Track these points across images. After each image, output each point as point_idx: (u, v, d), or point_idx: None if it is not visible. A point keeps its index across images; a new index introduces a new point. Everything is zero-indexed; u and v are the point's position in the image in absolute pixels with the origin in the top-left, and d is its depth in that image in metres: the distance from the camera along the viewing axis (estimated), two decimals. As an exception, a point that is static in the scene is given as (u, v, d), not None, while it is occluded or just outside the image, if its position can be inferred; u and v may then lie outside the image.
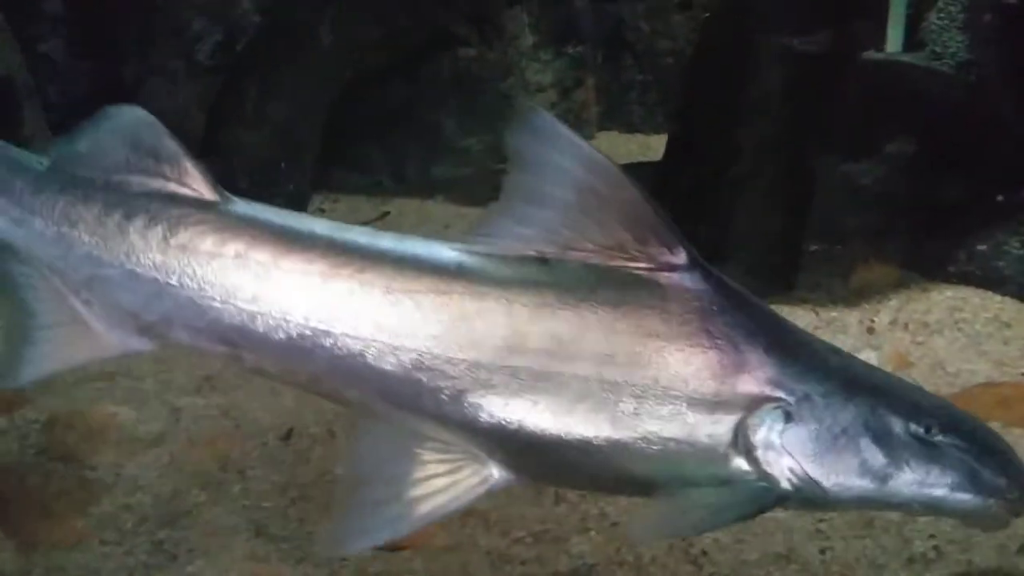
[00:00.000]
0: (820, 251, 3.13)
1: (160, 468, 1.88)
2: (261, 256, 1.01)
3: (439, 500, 0.99)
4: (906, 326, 2.45)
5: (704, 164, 2.74)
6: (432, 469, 1.01)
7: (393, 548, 1.68)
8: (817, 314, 2.56)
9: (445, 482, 1.00)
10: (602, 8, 4.57)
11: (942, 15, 4.09)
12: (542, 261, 1.01)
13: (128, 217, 1.03)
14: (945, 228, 2.84)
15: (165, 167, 1.04)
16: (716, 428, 0.98)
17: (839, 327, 2.49)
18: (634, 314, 0.99)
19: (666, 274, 1.00)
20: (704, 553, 1.61)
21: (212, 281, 1.01)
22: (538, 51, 4.42)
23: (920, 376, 2.19)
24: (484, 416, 0.99)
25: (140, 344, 1.06)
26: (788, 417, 0.98)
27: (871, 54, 3.72)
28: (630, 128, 4.59)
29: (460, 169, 4.21)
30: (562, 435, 0.99)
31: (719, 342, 0.98)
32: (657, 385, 0.98)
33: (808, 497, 0.99)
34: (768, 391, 0.98)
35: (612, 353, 0.98)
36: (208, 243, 1.02)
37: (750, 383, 0.98)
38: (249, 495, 1.82)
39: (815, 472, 0.98)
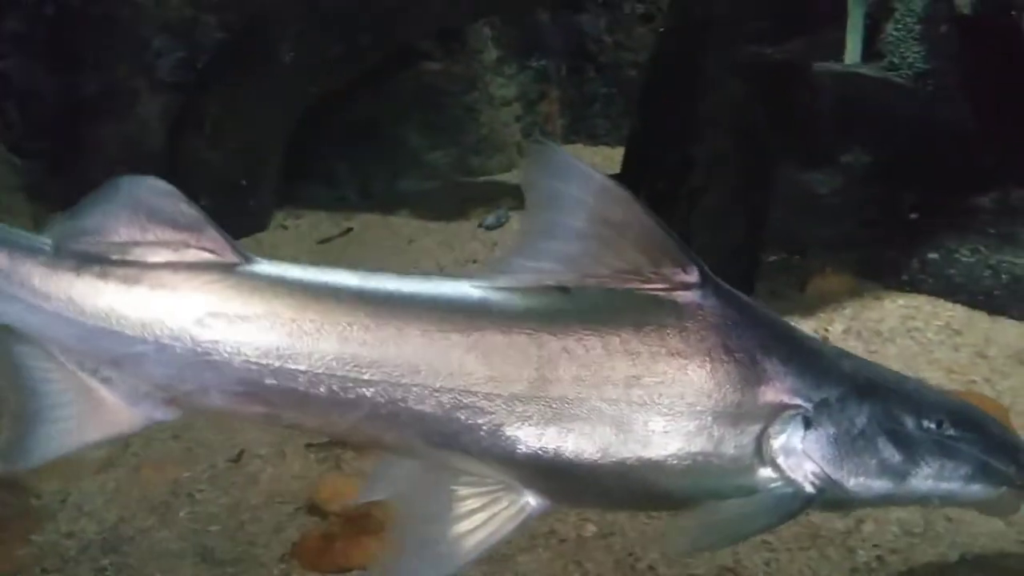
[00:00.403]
0: (779, 261, 3.15)
1: (107, 494, 1.86)
2: (292, 313, 1.01)
3: (481, 535, 1.01)
4: (860, 334, 2.48)
5: (660, 176, 2.75)
6: (470, 504, 1.02)
7: (340, 569, 1.67)
8: (773, 324, 2.58)
9: (485, 516, 1.01)
10: (565, 21, 4.59)
11: (899, 26, 4.15)
12: (563, 290, 1.04)
13: (153, 290, 1.01)
14: (899, 237, 2.87)
15: (184, 235, 1.02)
16: (741, 439, 1.02)
17: (794, 337, 2.50)
18: (656, 334, 1.02)
19: (681, 293, 1.04)
20: (651, 568, 1.61)
21: (247, 344, 1.00)
22: (502, 65, 4.43)
23: (871, 385, 2.21)
24: (521, 448, 1.01)
25: (166, 415, 1.04)
26: (808, 423, 1.03)
27: (829, 65, 3.77)
28: (595, 140, 4.61)
29: (426, 183, 4.22)
30: (597, 459, 1.01)
31: (738, 356, 1.02)
32: (683, 402, 1.01)
33: (832, 499, 1.03)
34: (787, 399, 1.03)
35: (638, 375, 1.01)
36: (238, 306, 1.01)
37: (770, 393, 1.03)
38: (197, 519, 1.81)
39: (836, 474, 1.02)
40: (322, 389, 1.01)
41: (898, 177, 3.09)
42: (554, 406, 1.00)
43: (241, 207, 3.65)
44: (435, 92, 4.24)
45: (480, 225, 3.59)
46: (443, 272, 3.18)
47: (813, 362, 1.04)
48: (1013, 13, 3.55)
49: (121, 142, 3.59)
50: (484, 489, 1.02)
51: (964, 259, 2.64)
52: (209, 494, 1.87)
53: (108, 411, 1.03)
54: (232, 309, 1.01)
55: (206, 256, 1.02)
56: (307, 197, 4.01)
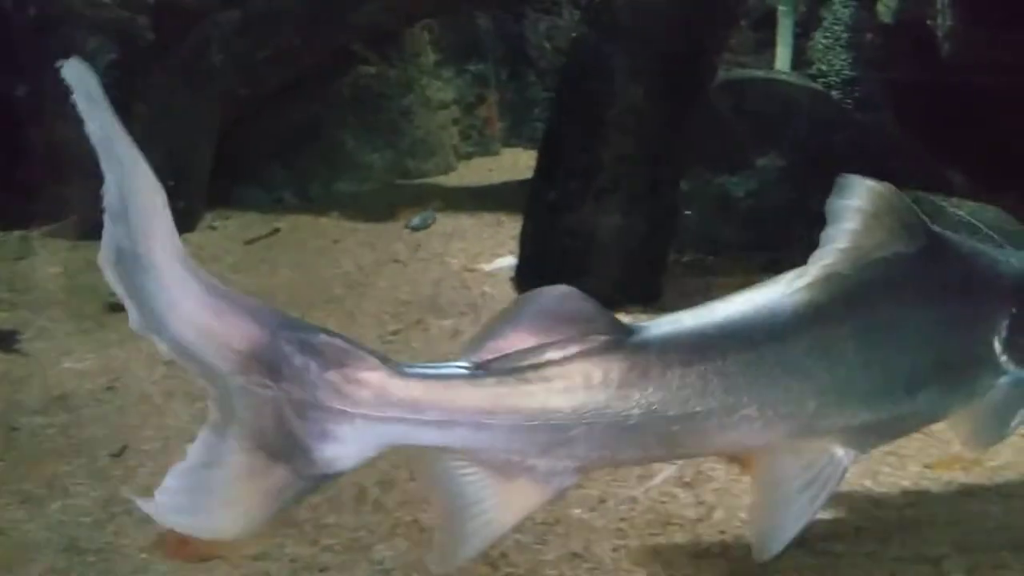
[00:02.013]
0: (693, 261, 3.21)
1: (-19, 488, 1.87)
2: (682, 371, 1.13)
3: (817, 490, 1.20)
4: (755, 332, 2.52)
5: (570, 177, 2.80)
6: (809, 467, 1.20)
7: (202, 558, 1.69)
8: (673, 322, 2.62)
9: (820, 473, 1.21)
10: (504, 26, 4.65)
11: (827, 35, 4.25)
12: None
13: (574, 379, 1.09)
14: (806, 238, 2.92)
15: (582, 326, 1.11)
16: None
17: (692, 334, 2.54)
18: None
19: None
20: (503, 555, 1.64)
21: (657, 403, 1.11)
22: (440, 68, 4.48)
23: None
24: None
25: (573, 480, 1.13)
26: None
27: (749, 71, 3.84)
28: (534, 144, 4.64)
29: (362, 185, 4.25)
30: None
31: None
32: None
33: None
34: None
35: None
36: (638, 374, 1.11)
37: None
38: (68, 511, 1.82)
39: None
40: (712, 424, 1.14)
41: (809, 180, 3.15)
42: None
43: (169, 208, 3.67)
44: (372, 95, 4.28)
45: (406, 226, 3.63)
46: (363, 271, 3.21)
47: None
48: (929, 22, 3.65)
49: (50, 144, 3.59)
50: (811, 456, 1.20)
51: (859, 257, 2.70)
52: (85, 488, 1.89)
53: (526, 494, 1.11)
54: (635, 377, 1.11)
55: (603, 338, 1.11)
56: (243, 199, 4.04)
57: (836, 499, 1.78)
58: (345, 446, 1.01)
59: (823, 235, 1.30)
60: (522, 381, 1.07)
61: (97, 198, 0.96)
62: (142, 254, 0.95)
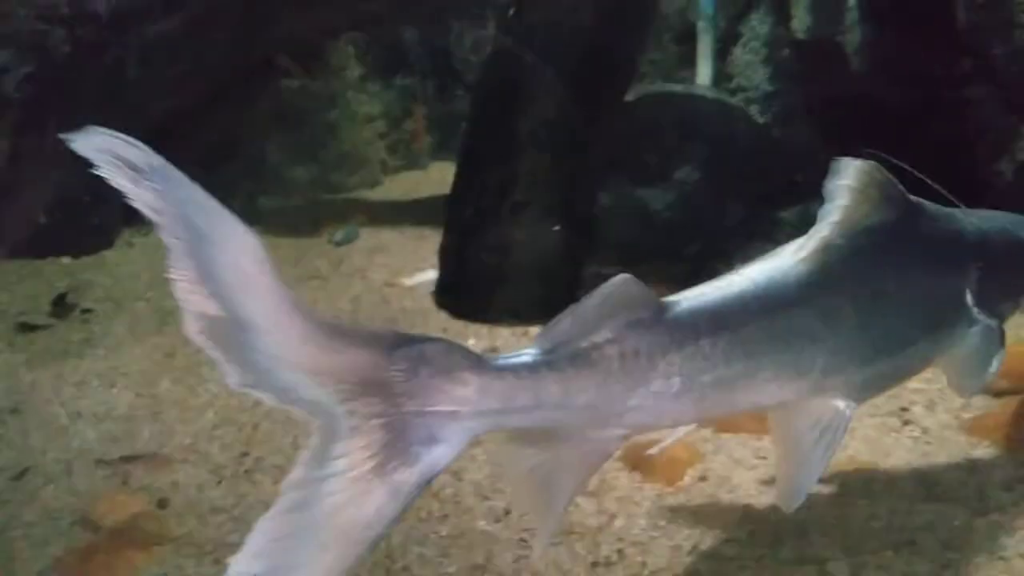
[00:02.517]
0: (614, 273, 3.26)
1: None
2: (715, 336, 1.23)
3: (830, 439, 1.35)
4: (667, 341, 2.57)
5: (485, 192, 2.83)
6: (818, 420, 1.32)
7: None
8: (589, 333, 2.66)
9: (830, 427, 1.34)
10: (430, 40, 4.67)
11: (746, 50, 4.36)
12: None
13: (633, 353, 1.17)
14: (719, 248, 3.00)
15: (630, 307, 1.19)
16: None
17: (607, 345, 2.58)
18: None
19: None
20: (406, 568, 1.65)
21: (692, 374, 1.21)
22: (365, 82, 4.48)
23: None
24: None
25: (618, 447, 1.26)
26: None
27: (669, 86, 3.92)
28: (462, 157, 4.68)
29: (287, 200, 4.23)
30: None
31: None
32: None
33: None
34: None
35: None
36: (689, 345, 1.21)
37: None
38: (-40, 536, 1.78)
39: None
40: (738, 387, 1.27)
41: (724, 192, 3.24)
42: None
43: (83, 225, 3.60)
44: (296, 109, 4.26)
45: (329, 241, 3.61)
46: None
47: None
48: (839, 38, 3.78)
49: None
50: (819, 412, 1.33)
51: (766, 266, 2.79)
52: (-19, 512, 1.85)
53: (584, 463, 1.23)
54: (675, 349, 1.21)
55: (647, 316, 1.20)
56: (164, 215, 3.98)
57: (735, 505, 1.83)
58: (448, 445, 1.05)
59: (820, 211, 1.41)
60: (588, 362, 1.15)
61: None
62: (239, 317, 0.92)
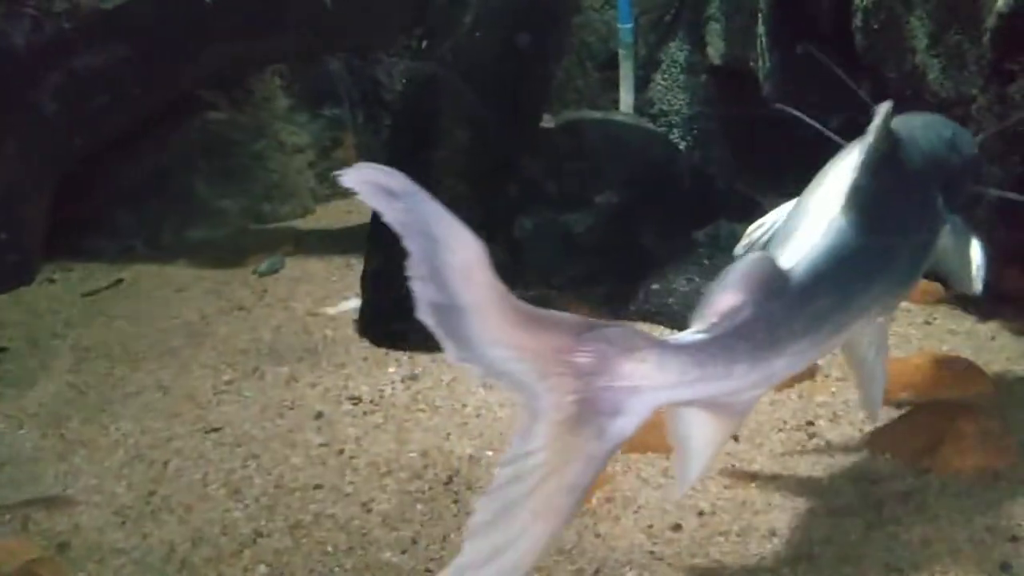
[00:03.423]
0: (537, 296, 3.28)
1: None
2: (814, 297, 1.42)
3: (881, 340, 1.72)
4: (584, 364, 2.60)
5: (405, 220, 2.84)
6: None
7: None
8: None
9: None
10: (358, 71, 4.69)
11: (666, 76, 4.46)
12: None
13: (779, 322, 1.35)
14: (634, 271, 3.05)
15: (771, 283, 1.36)
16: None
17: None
18: None
19: None
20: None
21: (804, 331, 1.39)
22: (293, 113, 4.47)
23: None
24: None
25: (752, 408, 1.43)
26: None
27: (589, 113, 3.99)
28: (393, 185, 4.69)
29: (215, 231, 4.18)
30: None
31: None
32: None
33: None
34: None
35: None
36: (802, 307, 1.40)
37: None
38: None
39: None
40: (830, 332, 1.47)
41: (641, 216, 3.29)
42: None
43: (0, 262, 3.52)
44: (223, 141, 4.23)
45: (254, 272, 3.59)
46: (205, 319, 3.15)
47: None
48: (751, 64, 3.89)
49: None
50: (870, 332, 1.64)
51: (680, 288, 2.84)
52: None
53: (728, 424, 1.39)
54: (796, 311, 1.39)
55: (776, 287, 1.38)
56: (89, 249, 3.91)
57: (639, 525, 1.85)
58: (631, 417, 1.18)
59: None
60: (742, 334, 1.29)
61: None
62: (459, 304, 1.10)
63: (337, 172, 1.11)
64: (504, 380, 1.13)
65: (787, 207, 1.81)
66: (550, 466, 1.13)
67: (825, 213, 1.50)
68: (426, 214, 1.11)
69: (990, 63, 2.59)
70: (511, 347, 1.12)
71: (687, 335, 1.28)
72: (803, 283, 1.40)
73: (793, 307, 1.37)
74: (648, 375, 1.18)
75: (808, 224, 1.50)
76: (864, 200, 1.50)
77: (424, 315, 1.12)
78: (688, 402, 1.30)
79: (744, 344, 1.29)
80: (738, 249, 1.90)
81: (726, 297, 1.31)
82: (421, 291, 1.12)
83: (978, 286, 1.83)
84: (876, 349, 1.67)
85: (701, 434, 1.39)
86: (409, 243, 1.11)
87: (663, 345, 1.22)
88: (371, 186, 1.12)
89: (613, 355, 1.16)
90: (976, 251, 1.81)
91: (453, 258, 1.11)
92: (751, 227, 1.90)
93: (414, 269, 1.11)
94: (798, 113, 2.24)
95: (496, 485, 1.13)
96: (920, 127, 1.83)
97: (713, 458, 1.44)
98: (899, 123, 1.73)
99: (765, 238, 1.83)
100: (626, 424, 1.18)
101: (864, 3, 3.06)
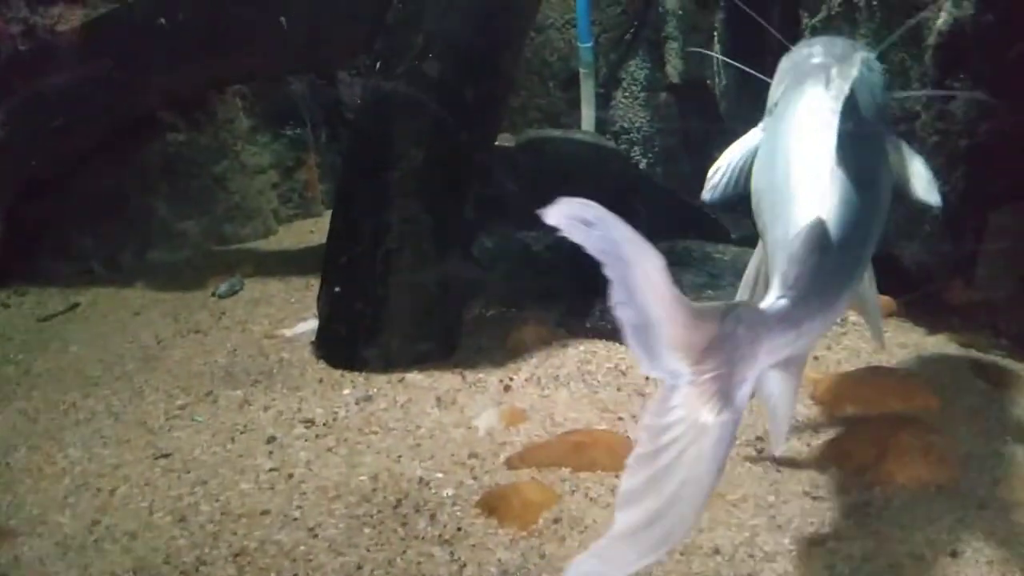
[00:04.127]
0: (496, 315, 3.29)
1: None
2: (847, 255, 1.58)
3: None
4: (539, 381, 2.61)
5: (359, 240, 2.84)
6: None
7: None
8: (463, 377, 2.68)
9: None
10: (320, 91, 4.69)
11: (626, 94, 4.50)
12: None
13: (832, 277, 1.52)
14: (590, 287, 3.06)
15: (823, 243, 1.50)
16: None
17: (481, 387, 2.61)
18: None
19: None
20: None
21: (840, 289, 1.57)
22: (255, 134, 4.46)
23: (530, 427, 2.33)
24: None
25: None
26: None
27: (548, 131, 4.02)
28: (356, 204, 4.68)
29: (176, 253, 4.15)
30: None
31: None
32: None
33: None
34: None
35: None
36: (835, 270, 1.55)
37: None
38: None
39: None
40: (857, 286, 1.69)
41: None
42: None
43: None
44: (183, 161, 4.21)
45: (213, 294, 3.57)
46: (161, 343, 3.13)
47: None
48: (708, 82, 3.94)
49: None
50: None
51: (635, 306, 2.85)
52: None
53: (794, 379, 1.55)
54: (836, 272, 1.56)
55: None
56: (45, 273, 3.87)
57: (584, 546, 1.85)
58: (748, 384, 1.30)
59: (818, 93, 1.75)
60: (819, 294, 1.44)
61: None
62: (650, 321, 1.19)
63: (540, 210, 1.16)
64: (666, 374, 1.23)
65: (740, 148, 1.96)
66: (690, 438, 1.23)
67: (820, 165, 1.57)
68: (616, 237, 1.16)
69: (932, 80, 2.63)
70: (682, 347, 1.22)
71: (776, 302, 1.40)
72: (839, 236, 1.51)
73: (838, 259, 1.51)
74: (760, 342, 1.30)
75: (811, 178, 1.59)
76: (846, 145, 1.57)
77: (630, 338, 1.19)
78: (780, 362, 1.43)
79: (815, 300, 1.43)
80: (705, 194, 2.03)
81: (798, 261, 1.42)
82: (624, 316, 1.19)
83: (936, 196, 1.90)
84: (869, 282, 1.83)
85: (781, 391, 1.52)
86: (609, 271, 1.17)
87: (769, 313, 1.36)
88: (570, 220, 1.16)
89: (741, 331, 1.28)
90: (924, 166, 1.90)
91: (643, 278, 1.17)
92: (711, 171, 2.01)
93: (616, 296, 1.17)
94: None
95: (640, 454, 1.22)
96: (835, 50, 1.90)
97: (793, 411, 1.60)
98: (810, 50, 1.90)
99: (724, 180, 1.97)
100: (746, 392, 1.30)
101: (812, 22, 3.11)
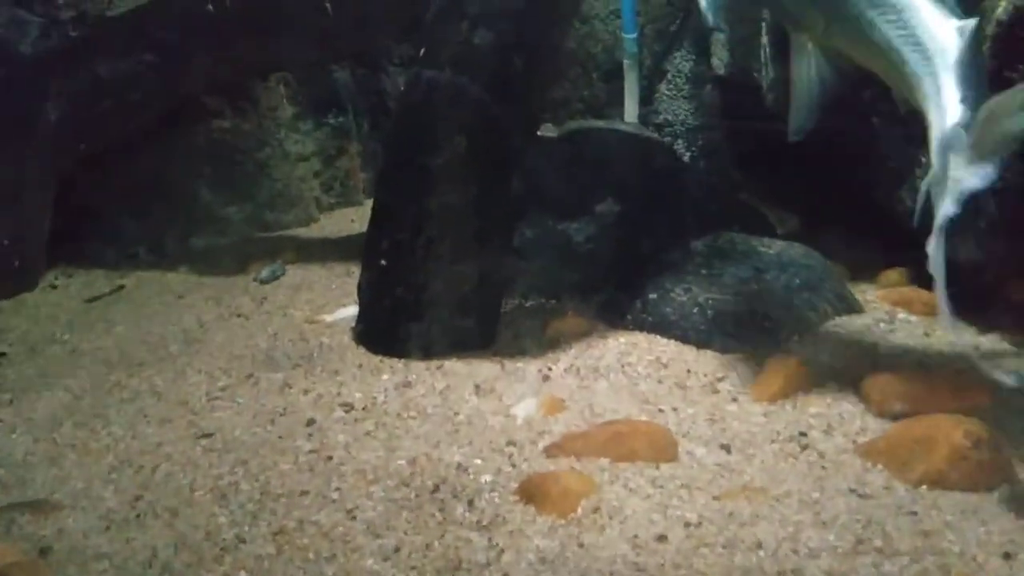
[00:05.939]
0: (535, 306, 3.27)
1: None
2: None
3: None
4: (578, 371, 2.59)
5: (401, 227, 2.84)
6: None
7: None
8: (502, 366, 2.67)
9: None
10: (363, 80, 4.70)
11: (670, 86, 4.45)
12: None
13: None
14: (632, 280, 3.03)
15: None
16: None
17: (519, 376, 2.59)
18: None
19: None
20: None
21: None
22: (297, 122, 4.49)
23: (568, 417, 2.32)
24: None
25: None
26: None
27: (589, 122, 3.98)
28: (397, 194, 4.68)
29: (219, 239, 4.19)
30: None
31: None
32: None
33: None
34: None
35: None
36: None
37: None
38: None
39: None
40: None
41: (640, 225, 3.28)
42: None
43: (3, 268, 3.55)
44: (227, 148, 4.25)
45: (254, 279, 3.59)
46: (204, 326, 3.16)
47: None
48: (755, 73, 3.87)
49: None
50: None
51: (678, 298, 2.82)
52: None
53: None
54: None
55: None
56: (93, 256, 3.93)
57: (624, 536, 1.83)
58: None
59: None
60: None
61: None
62: None
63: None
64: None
65: None
66: None
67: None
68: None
69: (990, 72, 2.56)
70: None
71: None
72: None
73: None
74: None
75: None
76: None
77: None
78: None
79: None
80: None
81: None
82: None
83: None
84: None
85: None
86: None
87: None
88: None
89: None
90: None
91: None
92: None
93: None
94: None
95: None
96: None
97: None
98: None
99: None
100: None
101: (864, 12, 3.03)
